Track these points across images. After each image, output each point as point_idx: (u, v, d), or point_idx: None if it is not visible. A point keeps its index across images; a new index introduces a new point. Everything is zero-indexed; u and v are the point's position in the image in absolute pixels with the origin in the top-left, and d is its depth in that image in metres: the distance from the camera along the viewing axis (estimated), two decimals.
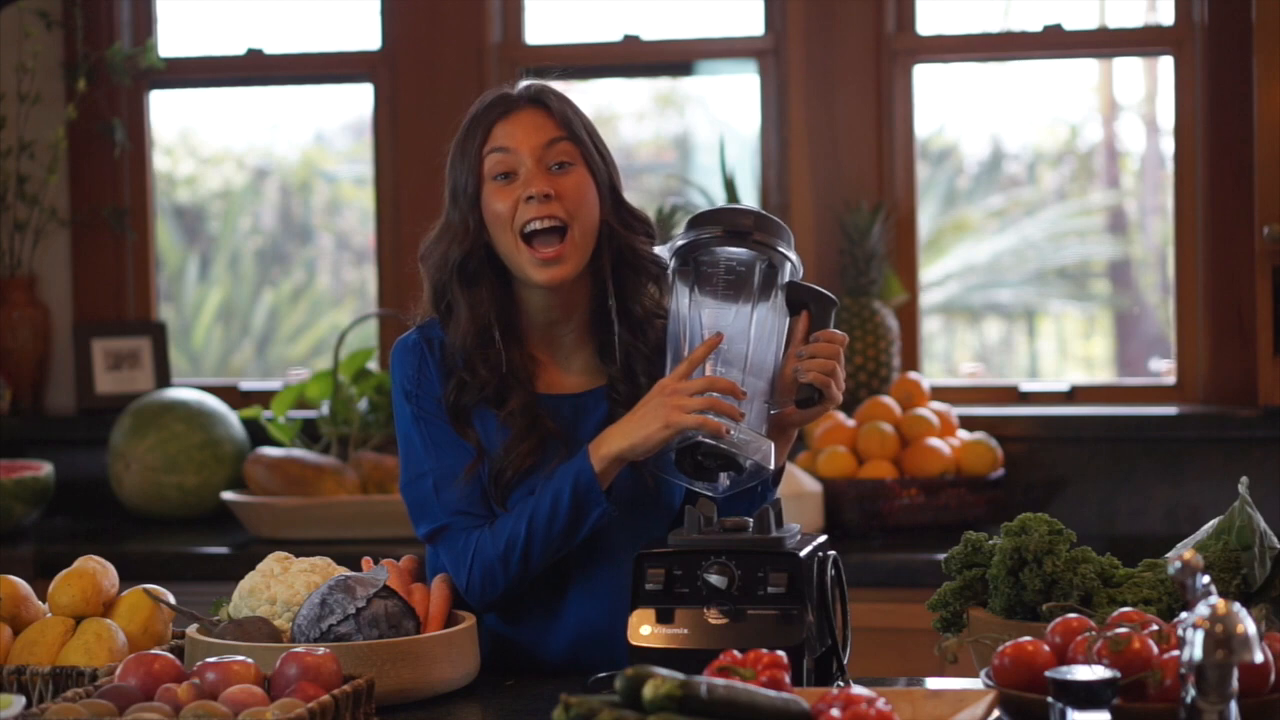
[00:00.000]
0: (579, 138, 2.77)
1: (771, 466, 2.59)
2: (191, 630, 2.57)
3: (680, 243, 2.66)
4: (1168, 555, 2.44)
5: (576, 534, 2.69)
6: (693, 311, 2.64)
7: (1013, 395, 4.78)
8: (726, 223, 2.64)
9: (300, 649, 2.30)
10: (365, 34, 5.05)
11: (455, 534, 2.75)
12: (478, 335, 2.79)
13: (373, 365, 4.72)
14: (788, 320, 2.66)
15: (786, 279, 2.64)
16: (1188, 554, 1.96)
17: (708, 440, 2.57)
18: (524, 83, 2.83)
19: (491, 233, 2.77)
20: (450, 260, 2.80)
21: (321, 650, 2.30)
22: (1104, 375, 8.72)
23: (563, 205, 2.72)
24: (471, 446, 2.78)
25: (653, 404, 2.62)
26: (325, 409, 4.61)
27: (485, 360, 2.79)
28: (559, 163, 2.75)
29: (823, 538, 2.61)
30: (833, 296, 2.66)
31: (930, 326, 8.41)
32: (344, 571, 2.65)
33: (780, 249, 2.63)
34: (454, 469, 2.77)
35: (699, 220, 2.67)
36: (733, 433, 2.57)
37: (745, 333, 2.62)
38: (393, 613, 2.54)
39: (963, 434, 4.51)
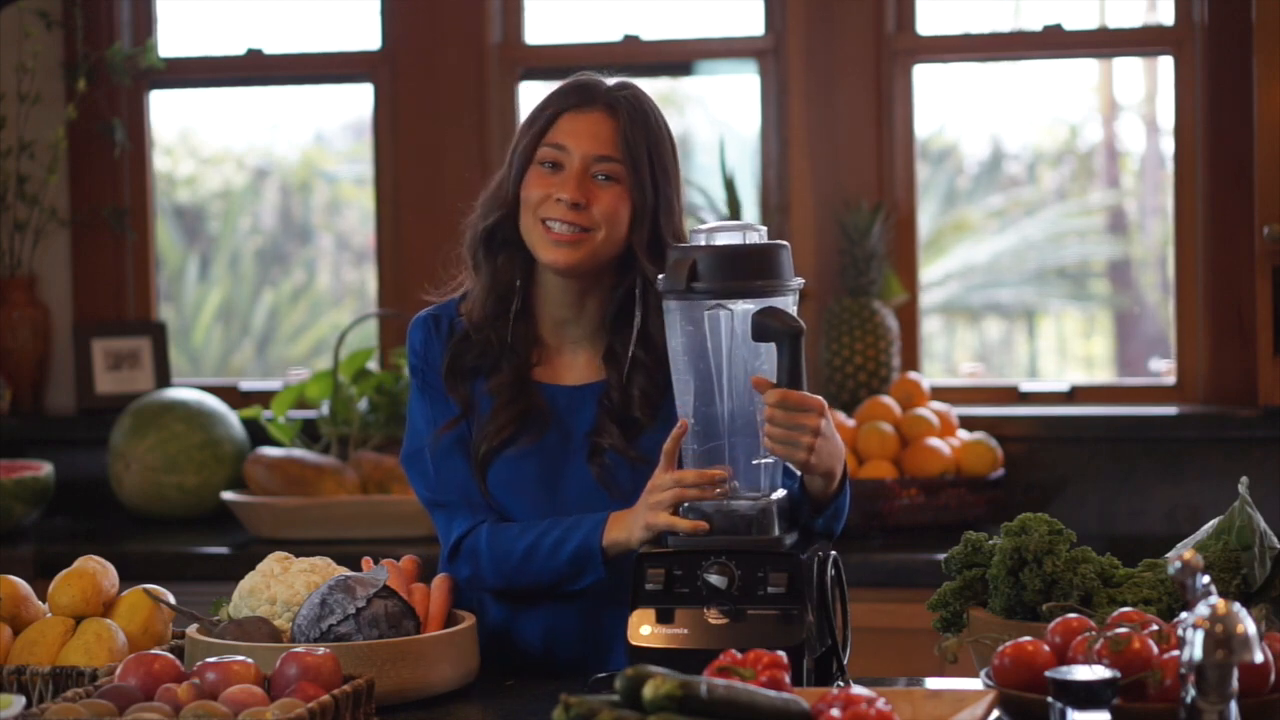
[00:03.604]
0: (633, 161, 2.76)
1: (774, 532, 2.52)
2: (191, 630, 2.57)
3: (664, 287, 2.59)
4: (1168, 555, 2.45)
5: (569, 584, 2.73)
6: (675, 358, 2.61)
7: (1013, 395, 4.78)
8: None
9: (300, 649, 2.30)
10: (365, 34, 5.05)
11: (453, 513, 2.81)
12: (495, 302, 2.84)
13: (373, 365, 4.72)
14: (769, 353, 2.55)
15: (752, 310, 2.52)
16: (1188, 554, 1.96)
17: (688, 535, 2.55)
18: (615, 80, 2.83)
19: (520, 210, 2.80)
20: (481, 223, 2.84)
21: (321, 650, 2.30)
22: (1104, 375, 8.72)
23: (590, 216, 2.74)
24: (458, 409, 2.83)
25: (639, 503, 2.64)
26: (325, 409, 4.60)
27: (494, 326, 2.83)
28: (605, 175, 2.76)
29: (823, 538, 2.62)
30: (797, 326, 2.49)
31: (930, 326, 8.41)
32: (344, 571, 2.65)
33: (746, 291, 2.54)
34: (451, 445, 2.82)
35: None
36: (718, 510, 2.54)
37: (712, 393, 2.58)
38: (393, 613, 2.54)
39: (963, 434, 4.51)
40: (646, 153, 2.79)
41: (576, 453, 2.81)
